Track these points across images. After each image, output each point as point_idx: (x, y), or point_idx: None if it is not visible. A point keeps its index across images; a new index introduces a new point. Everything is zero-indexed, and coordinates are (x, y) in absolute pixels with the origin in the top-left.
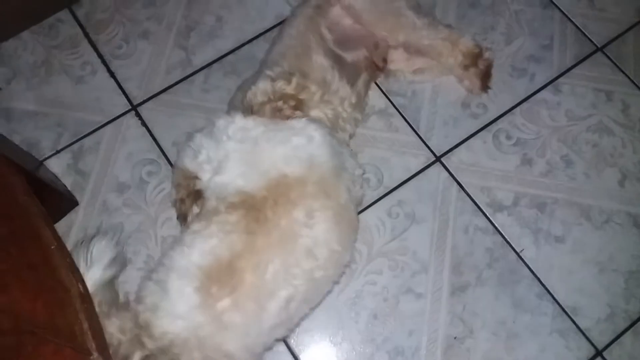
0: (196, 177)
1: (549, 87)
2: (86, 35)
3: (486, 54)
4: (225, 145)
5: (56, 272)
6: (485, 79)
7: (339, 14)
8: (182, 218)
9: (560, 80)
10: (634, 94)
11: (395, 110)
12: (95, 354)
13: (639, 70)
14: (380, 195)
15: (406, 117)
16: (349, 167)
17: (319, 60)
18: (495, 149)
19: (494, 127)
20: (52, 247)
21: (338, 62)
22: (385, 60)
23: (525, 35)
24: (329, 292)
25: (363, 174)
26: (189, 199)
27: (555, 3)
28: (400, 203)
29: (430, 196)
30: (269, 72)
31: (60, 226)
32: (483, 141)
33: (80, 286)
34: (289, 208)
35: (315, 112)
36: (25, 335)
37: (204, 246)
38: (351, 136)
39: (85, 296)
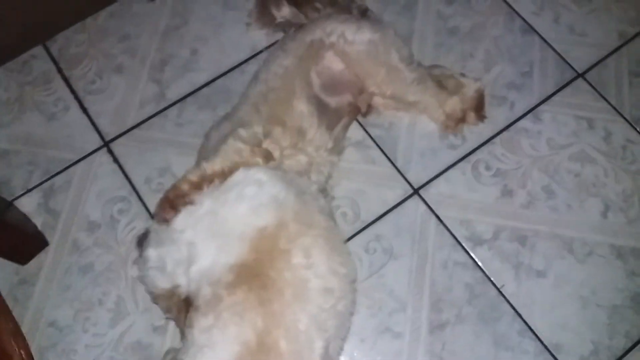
0: (176, 287)
1: (529, 115)
2: (59, 70)
3: (475, 85)
4: (183, 238)
5: None
6: (479, 112)
7: (331, 59)
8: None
9: (541, 107)
10: (615, 120)
11: (372, 142)
12: None
13: (621, 96)
14: (357, 230)
15: (383, 149)
16: (304, 186)
17: (300, 107)
18: (475, 181)
19: (473, 158)
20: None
21: (320, 108)
22: (369, 106)
23: (505, 62)
24: (353, 314)
25: (318, 187)
26: (183, 314)
27: (535, 29)
28: (378, 238)
29: (408, 230)
30: (241, 132)
31: (29, 267)
32: (462, 172)
33: (23, 353)
34: (286, 257)
35: (287, 162)
36: None
37: (225, 339)
38: (327, 178)
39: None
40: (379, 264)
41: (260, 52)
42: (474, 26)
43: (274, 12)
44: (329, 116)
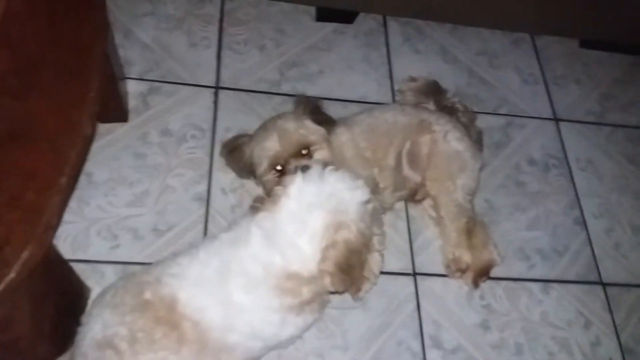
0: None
1: (541, 283)
2: (221, 21)
3: (492, 257)
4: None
5: (83, 104)
6: (477, 278)
7: (425, 141)
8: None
9: (554, 285)
10: (610, 338)
11: (405, 215)
12: (64, 179)
13: (627, 322)
14: None
15: (410, 227)
16: None
17: (390, 159)
18: (466, 299)
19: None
20: (91, 94)
21: (397, 167)
22: (422, 199)
23: (546, 233)
24: None
25: None
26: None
27: (587, 226)
28: None
29: (389, 296)
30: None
31: (102, 127)
32: (460, 287)
33: (89, 130)
34: None
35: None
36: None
37: None
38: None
39: (88, 141)
40: (350, 304)
41: (367, 102)
42: (539, 192)
43: (422, 98)
44: (398, 181)
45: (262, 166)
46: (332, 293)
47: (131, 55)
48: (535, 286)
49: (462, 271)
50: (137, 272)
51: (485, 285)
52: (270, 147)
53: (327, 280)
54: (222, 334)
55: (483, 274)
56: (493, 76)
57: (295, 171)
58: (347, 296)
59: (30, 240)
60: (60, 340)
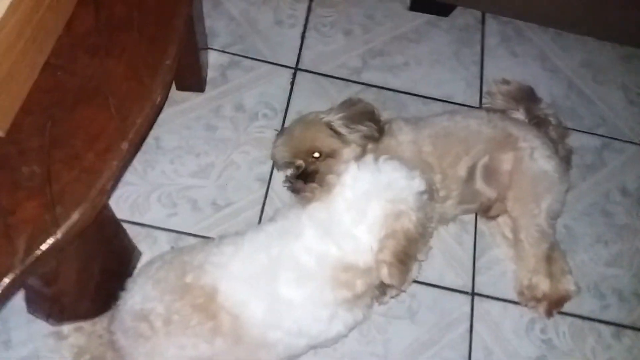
0: None
1: (613, 327)
2: (310, 0)
3: (570, 288)
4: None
5: (157, 71)
6: (552, 308)
7: (508, 157)
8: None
9: (627, 331)
10: None
11: (473, 231)
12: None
13: None
14: None
15: (477, 243)
16: None
17: (461, 171)
18: (525, 330)
19: (537, 318)
20: (167, 62)
21: (468, 180)
22: (497, 216)
23: (629, 272)
24: None
25: None
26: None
27: None
28: (414, 296)
29: (441, 313)
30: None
31: (177, 94)
32: (521, 315)
33: (159, 98)
34: None
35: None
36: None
37: None
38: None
39: (157, 109)
40: (397, 314)
41: (451, 102)
42: (628, 226)
43: (512, 103)
44: (467, 194)
45: (277, 164)
46: (385, 286)
47: (217, 26)
48: (606, 329)
49: (538, 300)
50: (185, 250)
51: (549, 320)
52: (278, 148)
53: (384, 272)
54: (264, 330)
55: (558, 304)
56: (595, 91)
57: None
58: (394, 304)
59: (82, 202)
60: (103, 300)
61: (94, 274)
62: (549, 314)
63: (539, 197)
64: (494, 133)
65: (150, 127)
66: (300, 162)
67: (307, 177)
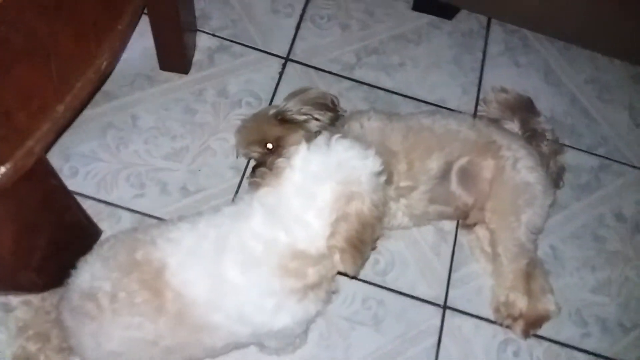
0: None
1: (592, 356)
2: None
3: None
4: None
5: (106, 36)
6: (529, 328)
7: (489, 165)
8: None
9: None
10: None
11: (452, 242)
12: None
13: None
14: (374, 282)
15: (454, 253)
16: None
17: (432, 165)
18: (496, 350)
19: (513, 336)
20: (119, 27)
21: (442, 181)
22: (474, 225)
23: (615, 302)
24: None
25: None
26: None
27: None
28: (381, 303)
29: (408, 323)
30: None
31: (160, 74)
32: (494, 335)
33: (104, 63)
34: None
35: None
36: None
37: None
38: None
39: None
40: (362, 319)
41: (444, 107)
42: (619, 253)
43: (507, 113)
44: (440, 194)
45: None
46: (340, 274)
47: (210, 8)
48: (584, 358)
49: (514, 318)
50: (141, 228)
51: (524, 341)
52: (235, 139)
53: (336, 258)
54: (206, 311)
55: (536, 325)
56: (599, 110)
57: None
58: (359, 309)
59: (5, 162)
60: (52, 275)
61: (39, 245)
62: (525, 334)
63: (519, 209)
64: (474, 136)
65: (91, 93)
66: (255, 153)
67: (261, 167)
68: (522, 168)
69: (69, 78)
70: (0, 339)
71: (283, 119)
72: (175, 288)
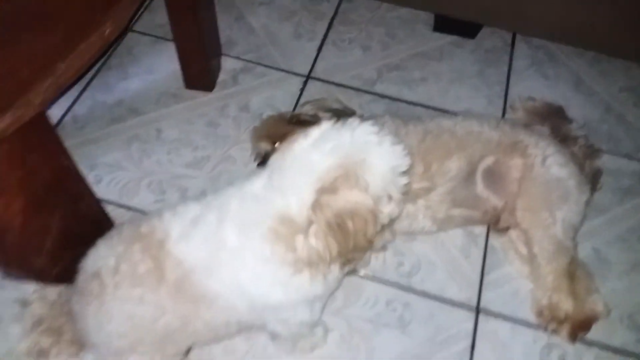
0: None
1: None
2: (332, 18)
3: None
4: None
5: (113, 5)
6: (576, 331)
7: (517, 164)
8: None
9: None
10: None
11: (483, 245)
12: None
13: None
14: (399, 285)
15: (486, 257)
16: None
17: (451, 165)
18: (539, 356)
19: (554, 339)
20: None
21: (465, 183)
22: (507, 229)
23: None
24: None
25: None
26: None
27: None
28: (407, 306)
29: (437, 326)
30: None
31: (187, 92)
32: (534, 340)
33: (108, 29)
34: None
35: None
36: None
37: None
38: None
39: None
40: (386, 321)
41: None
42: None
43: (536, 119)
44: (466, 197)
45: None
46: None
47: (236, 37)
48: None
49: (560, 321)
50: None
51: (571, 345)
52: (251, 133)
53: (311, 230)
54: (204, 278)
55: (584, 327)
56: (637, 117)
57: None
58: (383, 311)
59: (6, 111)
60: (66, 266)
61: (50, 228)
62: (573, 337)
63: (553, 205)
64: (498, 137)
65: (94, 56)
66: (263, 149)
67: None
68: (552, 164)
69: (72, 40)
70: (15, 333)
71: (298, 121)
72: (175, 255)
